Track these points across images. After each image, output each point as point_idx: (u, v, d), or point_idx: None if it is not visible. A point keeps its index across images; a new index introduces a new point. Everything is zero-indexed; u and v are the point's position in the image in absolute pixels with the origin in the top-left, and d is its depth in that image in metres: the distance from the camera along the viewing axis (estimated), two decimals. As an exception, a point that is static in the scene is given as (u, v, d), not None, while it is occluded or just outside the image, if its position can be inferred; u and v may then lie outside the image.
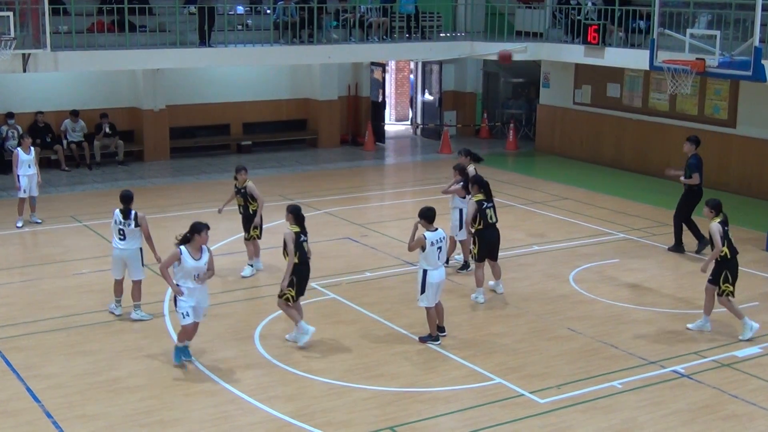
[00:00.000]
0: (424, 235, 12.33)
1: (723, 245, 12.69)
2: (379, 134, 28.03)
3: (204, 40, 22.42)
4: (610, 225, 18.74)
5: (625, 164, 24.34)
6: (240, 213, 15.36)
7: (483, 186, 14.28)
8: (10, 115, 23.12)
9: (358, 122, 28.23)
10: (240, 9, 25.18)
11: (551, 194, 21.50)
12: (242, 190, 15.08)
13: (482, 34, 26.47)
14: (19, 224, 18.13)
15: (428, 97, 29.69)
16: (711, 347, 12.59)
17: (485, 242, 14.20)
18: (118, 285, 13.47)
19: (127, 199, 13.18)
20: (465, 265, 15.67)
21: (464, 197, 15.14)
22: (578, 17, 23.89)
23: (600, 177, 23.65)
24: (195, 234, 11.54)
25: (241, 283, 15.00)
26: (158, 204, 19.86)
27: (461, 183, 15.19)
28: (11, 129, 23.01)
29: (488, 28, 26.52)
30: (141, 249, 13.32)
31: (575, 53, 23.85)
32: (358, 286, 14.99)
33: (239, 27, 23.99)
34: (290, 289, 12.22)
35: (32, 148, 18.23)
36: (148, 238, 13.30)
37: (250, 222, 15.21)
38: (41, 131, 23.29)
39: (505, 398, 11.01)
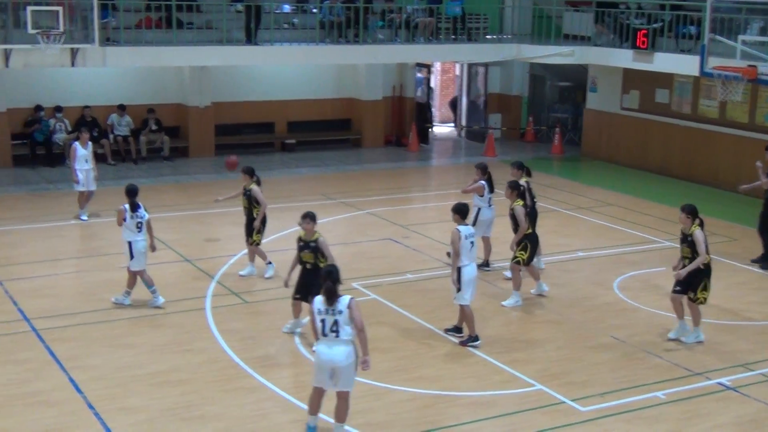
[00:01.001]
0: (458, 229, 12.36)
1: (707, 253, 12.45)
2: (424, 135, 27.97)
3: (250, 38, 22.51)
4: (656, 233, 18.52)
5: (673, 171, 24.05)
6: (244, 215, 15.08)
7: (521, 192, 14.20)
8: (58, 108, 23.38)
9: (402, 123, 28.18)
10: (286, 7, 25.27)
11: (596, 200, 21.31)
12: (247, 193, 14.88)
13: (529, 37, 26.31)
14: (84, 217, 18.30)
15: (473, 99, 29.54)
16: (758, 360, 12.37)
17: (534, 246, 14.20)
18: (145, 274, 13.67)
19: (133, 193, 13.54)
20: (485, 264, 15.64)
21: (482, 196, 15.46)
22: (627, 21, 23.66)
23: (646, 183, 23.39)
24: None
25: (282, 281, 14.97)
26: (201, 201, 19.94)
27: (480, 183, 15.42)
28: (59, 122, 23.27)
29: (535, 30, 26.35)
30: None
31: (623, 57, 23.61)
32: (399, 287, 14.94)
33: (285, 25, 24.07)
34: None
35: (89, 143, 18.32)
36: (150, 230, 13.72)
37: (249, 226, 14.97)
38: (88, 125, 23.48)
39: (546, 405, 10.90)
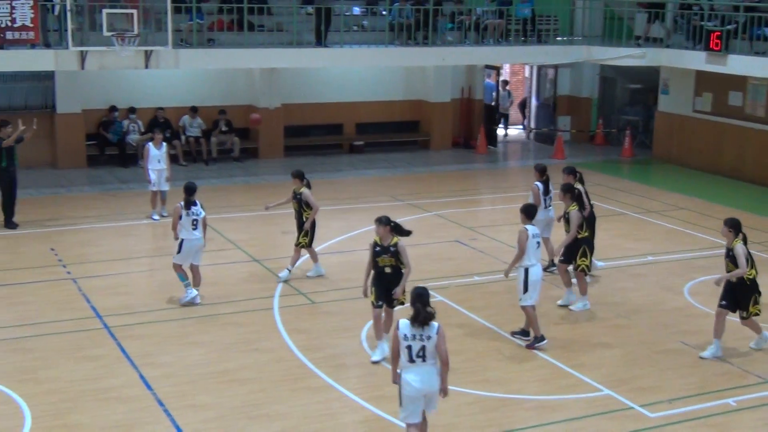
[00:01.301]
0: (525, 228, 12.38)
1: (749, 266, 11.94)
2: (492, 138, 27.88)
3: (320, 41, 22.67)
4: (728, 237, 18.19)
5: (746, 175, 23.62)
6: (294, 218, 15.11)
7: (576, 195, 14.03)
8: (132, 110, 23.81)
9: (470, 125, 28.12)
10: (356, 10, 25.37)
11: (667, 204, 21.03)
12: (298, 196, 14.88)
13: (600, 39, 26.06)
14: (155, 217, 18.61)
15: (542, 101, 29.37)
16: (832, 368, 12.13)
17: (592, 251, 14.07)
18: (181, 268, 13.91)
19: (192, 191, 13.83)
20: (551, 264, 15.53)
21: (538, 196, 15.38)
22: (701, 23, 23.30)
23: (719, 187, 23.02)
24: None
25: (351, 282, 15.08)
26: (271, 201, 20.08)
27: (535, 185, 15.41)
28: (132, 123, 23.70)
29: (606, 32, 26.10)
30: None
31: (696, 60, 23.25)
32: (466, 289, 14.93)
33: (355, 28, 24.17)
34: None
35: (164, 144, 18.60)
36: (205, 228, 13.99)
37: (299, 228, 14.97)
38: (161, 126, 23.86)
39: (613, 410, 10.81)
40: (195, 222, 13.72)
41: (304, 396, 11.00)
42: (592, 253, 14.18)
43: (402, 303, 11.85)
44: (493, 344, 12.65)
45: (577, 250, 13.85)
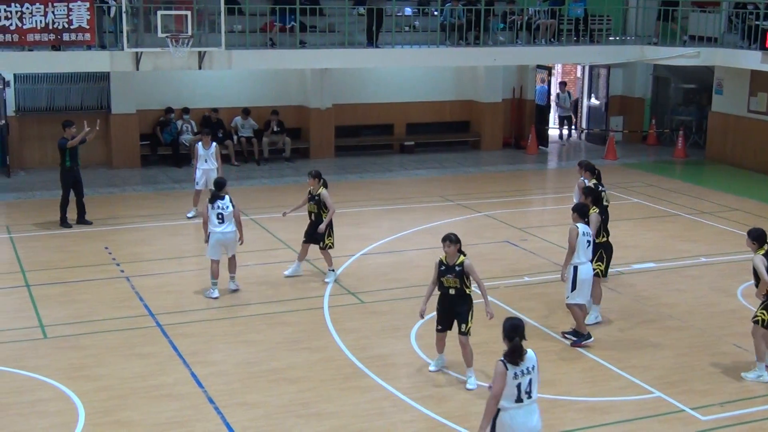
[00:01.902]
0: (576, 225, 12.35)
1: None
2: (543, 138, 27.73)
3: (372, 41, 22.73)
4: (783, 239, 17.92)
5: (802, 176, 23.27)
6: (310, 219, 14.92)
7: (596, 197, 13.54)
8: (185, 110, 24.07)
9: (521, 125, 28.00)
10: (408, 10, 25.39)
11: (720, 205, 20.77)
12: (316, 197, 14.74)
13: (653, 38, 25.79)
14: (189, 214, 18.84)
15: (594, 101, 29.16)
16: None
17: (609, 256, 13.56)
18: (216, 265, 14.25)
19: (221, 186, 14.22)
20: None
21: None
22: (756, 22, 22.97)
23: (774, 189, 22.71)
24: None
25: (400, 282, 15.12)
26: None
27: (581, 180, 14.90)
28: (186, 124, 23.96)
29: (660, 31, 25.82)
30: (237, 231, 14.28)
31: (751, 59, 22.93)
32: (516, 290, 14.88)
33: (406, 28, 24.19)
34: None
35: (213, 144, 18.73)
36: (239, 223, 14.24)
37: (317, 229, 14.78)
38: (213, 126, 24.11)
39: (664, 413, 10.71)
40: (220, 216, 14.04)
41: (353, 395, 11.04)
42: (609, 258, 13.63)
43: (470, 333, 11.15)
44: (542, 345, 12.57)
45: (594, 254, 13.21)
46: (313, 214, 14.90)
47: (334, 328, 13.08)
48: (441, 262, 11.22)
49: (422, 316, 11.53)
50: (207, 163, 18.56)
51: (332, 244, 14.97)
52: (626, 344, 12.73)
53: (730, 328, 13.38)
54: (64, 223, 18.03)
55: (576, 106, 30.20)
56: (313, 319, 13.50)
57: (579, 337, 12.60)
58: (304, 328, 13.17)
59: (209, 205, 14.09)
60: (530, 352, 8.30)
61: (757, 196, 21.61)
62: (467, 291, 11.18)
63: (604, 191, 14.45)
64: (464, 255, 11.20)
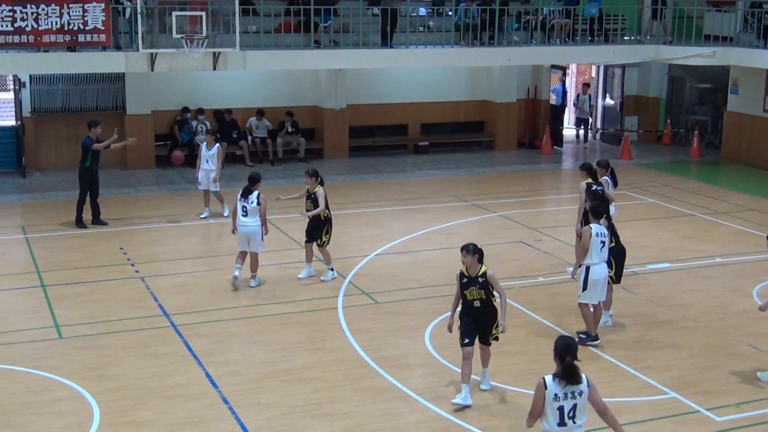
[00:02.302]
0: (590, 226, 12.32)
1: None
2: (557, 138, 27.67)
3: (386, 41, 22.73)
4: (800, 239, 17.84)
5: (818, 176, 23.14)
6: (309, 218, 14.98)
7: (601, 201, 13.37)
8: (200, 111, 24.13)
9: (536, 125, 27.96)
10: (422, 11, 25.39)
11: (736, 205, 20.68)
12: (312, 195, 14.79)
13: (668, 38, 25.70)
14: (203, 215, 18.93)
15: (609, 101, 29.08)
16: None
17: (619, 262, 13.25)
18: (243, 254, 14.73)
19: (253, 181, 14.54)
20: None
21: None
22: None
23: (790, 189, 22.60)
24: None
25: (414, 282, 15.12)
26: (336, 201, 20.20)
27: (604, 178, 15.17)
28: (200, 124, 24.01)
29: (675, 31, 25.75)
30: (261, 226, 14.54)
31: (767, 59, 22.83)
32: (530, 290, 14.85)
33: (421, 28, 24.19)
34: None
35: (216, 145, 18.73)
36: (263, 219, 14.49)
37: (318, 228, 14.88)
38: (227, 127, 24.18)
39: (679, 414, 10.68)
40: (244, 209, 14.40)
41: (367, 396, 11.04)
42: (620, 264, 13.32)
43: (497, 339, 11.01)
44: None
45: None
46: (309, 212, 15.00)
47: (348, 329, 13.09)
48: (462, 274, 10.74)
49: (451, 330, 11.01)
50: (208, 163, 18.64)
51: (328, 241, 15.06)
52: (641, 345, 12.70)
53: (745, 328, 13.32)
54: (79, 223, 18.11)
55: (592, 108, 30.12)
56: (327, 319, 13.51)
57: (587, 336, 12.58)
58: (318, 328, 13.18)
59: (239, 197, 14.47)
60: (583, 376, 7.85)
61: (773, 196, 21.54)
62: (493, 303, 10.77)
63: (600, 190, 14.59)
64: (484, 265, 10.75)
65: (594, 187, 14.61)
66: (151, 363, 11.86)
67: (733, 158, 25.73)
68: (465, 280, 10.71)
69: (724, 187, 22.69)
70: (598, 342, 12.50)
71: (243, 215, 14.42)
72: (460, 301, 10.83)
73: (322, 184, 14.95)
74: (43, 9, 19.12)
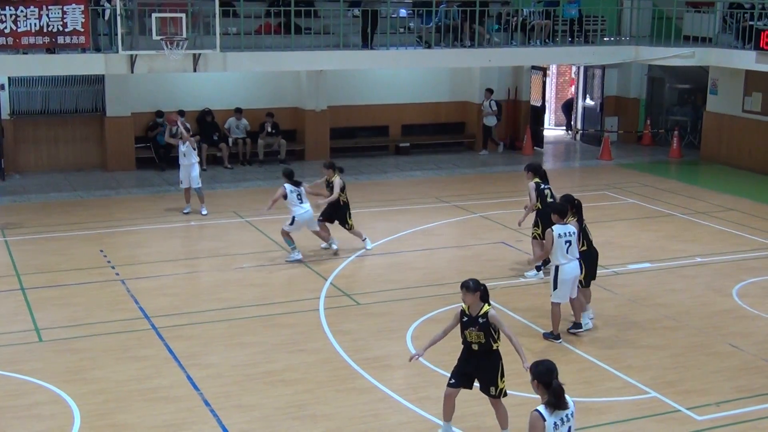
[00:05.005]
0: (552, 228, 12.40)
1: None
2: (538, 139, 27.74)
3: (367, 43, 22.73)
4: (779, 238, 17.99)
5: (797, 176, 23.29)
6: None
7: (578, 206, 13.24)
8: (181, 112, 24.01)
9: (516, 126, 28.02)
10: (403, 12, 25.40)
11: (716, 204, 20.79)
12: (330, 183, 16.32)
13: (648, 39, 25.83)
14: (185, 210, 19.24)
15: (589, 102, 29.18)
16: None
17: (590, 265, 13.21)
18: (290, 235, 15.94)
19: (291, 174, 16.08)
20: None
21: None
22: (750, 22, 23.00)
23: (769, 188, 22.73)
24: None
25: (396, 283, 15.12)
26: (316, 203, 20.19)
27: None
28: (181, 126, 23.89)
29: (654, 32, 25.87)
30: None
31: (746, 59, 22.96)
32: (512, 290, 14.87)
33: (401, 30, 24.20)
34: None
35: (189, 140, 19.08)
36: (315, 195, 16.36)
37: (338, 211, 16.36)
38: (208, 129, 24.10)
39: (660, 413, 10.71)
40: (299, 195, 15.84)
41: (350, 397, 11.03)
42: (591, 267, 13.23)
43: (505, 394, 9.77)
44: (538, 347, 12.59)
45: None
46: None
47: (329, 330, 13.07)
48: (463, 312, 9.69)
49: (410, 360, 10.12)
50: (185, 158, 18.98)
51: (353, 224, 16.62)
52: (622, 345, 12.74)
53: (726, 327, 13.39)
54: None
55: (569, 106, 30.21)
56: (308, 321, 13.49)
57: (550, 333, 12.75)
58: (299, 330, 13.16)
59: (291, 189, 15.82)
60: (567, 398, 7.52)
61: (753, 196, 21.64)
62: (494, 346, 9.61)
63: (548, 188, 15.30)
64: (489, 304, 9.68)
65: (542, 186, 15.25)
66: (132, 366, 11.81)
67: (712, 158, 25.86)
68: (465, 318, 9.64)
69: (704, 187, 22.81)
70: (558, 341, 12.64)
71: (301, 202, 15.77)
72: (461, 340, 9.80)
73: (341, 171, 16.49)
74: (21, 11, 19.00)
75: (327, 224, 16.61)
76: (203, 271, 15.80)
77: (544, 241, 13.00)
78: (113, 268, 15.86)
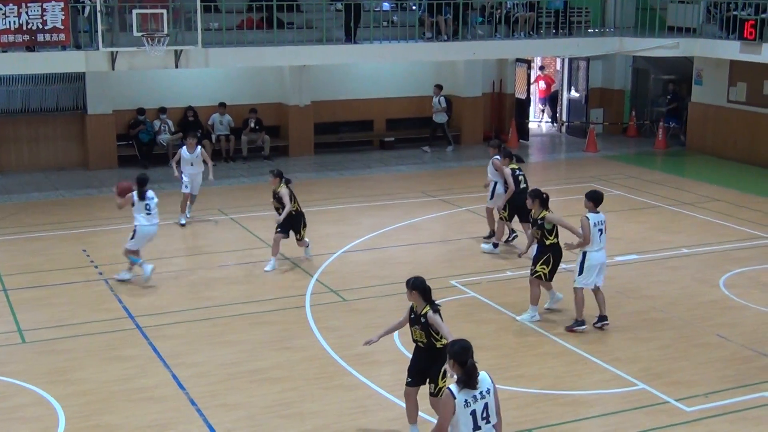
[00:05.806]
0: (586, 216, 12.55)
1: None
2: (523, 132, 27.70)
3: (350, 37, 22.61)
4: (765, 228, 17.95)
5: (782, 165, 23.31)
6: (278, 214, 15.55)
7: (545, 201, 13.23)
8: (162, 110, 23.88)
9: (501, 119, 27.96)
10: (386, 6, 25.29)
11: (702, 195, 20.77)
12: (276, 195, 15.38)
13: (632, 30, 25.80)
14: (182, 221, 18.40)
15: (574, 94, 29.14)
16: None
17: (557, 261, 13.12)
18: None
19: (144, 181, 15.01)
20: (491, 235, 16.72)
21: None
22: (734, 12, 22.98)
23: (755, 178, 22.71)
24: None
25: (382, 279, 15.02)
26: (302, 199, 20.02)
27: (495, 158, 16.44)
28: (163, 123, 23.78)
29: (639, 23, 25.84)
30: None
31: (730, 49, 22.96)
32: (499, 284, 14.81)
33: (385, 23, 24.09)
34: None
35: (198, 147, 18.41)
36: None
37: (295, 222, 15.46)
38: (191, 126, 23.92)
39: (649, 405, 10.67)
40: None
41: (336, 394, 10.95)
42: (556, 262, 13.09)
43: (440, 392, 9.34)
44: (526, 340, 12.54)
45: (543, 257, 13.05)
46: (279, 210, 15.47)
47: (316, 327, 12.98)
48: (411, 309, 9.65)
49: (367, 343, 10.06)
50: (193, 167, 18.30)
51: (304, 235, 15.75)
52: (610, 337, 12.70)
53: (713, 318, 13.36)
54: None
55: (554, 99, 30.16)
56: (294, 318, 13.39)
57: (575, 321, 12.78)
58: (285, 327, 13.06)
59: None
60: (483, 374, 7.51)
61: (738, 186, 21.64)
62: (437, 346, 9.42)
63: (522, 174, 16.00)
64: (432, 304, 9.46)
65: (517, 172, 15.90)
66: (116, 366, 11.69)
67: (697, 149, 25.86)
68: (412, 316, 9.60)
69: (690, 177, 22.80)
70: (584, 327, 12.69)
71: (149, 214, 14.93)
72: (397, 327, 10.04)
73: (288, 183, 15.22)
74: (0, 9, 18.80)
75: (284, 239, 15.48)
76: (187, 270, 15.67)
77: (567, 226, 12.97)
78: (96, 267, 15.72)
